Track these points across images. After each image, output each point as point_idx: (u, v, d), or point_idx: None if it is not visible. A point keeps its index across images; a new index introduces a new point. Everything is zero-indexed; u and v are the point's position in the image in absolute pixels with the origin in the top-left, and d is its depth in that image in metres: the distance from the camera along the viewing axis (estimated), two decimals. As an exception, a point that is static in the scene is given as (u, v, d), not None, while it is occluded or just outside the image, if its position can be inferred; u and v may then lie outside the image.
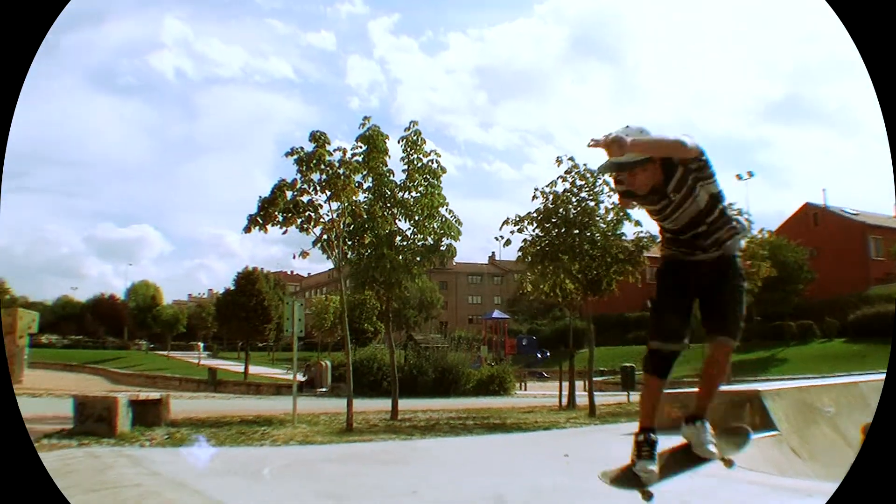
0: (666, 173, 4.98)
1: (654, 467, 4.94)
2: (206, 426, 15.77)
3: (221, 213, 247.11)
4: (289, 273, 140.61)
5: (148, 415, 14.97)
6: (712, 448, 5.05)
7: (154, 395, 16.26)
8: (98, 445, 11.34)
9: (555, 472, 6.26)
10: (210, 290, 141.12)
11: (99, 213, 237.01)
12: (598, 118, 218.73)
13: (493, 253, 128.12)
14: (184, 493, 6.59)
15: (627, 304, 65.90)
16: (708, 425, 5.14)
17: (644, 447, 5.03)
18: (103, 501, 6.60)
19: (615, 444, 11.37)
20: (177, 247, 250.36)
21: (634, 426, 13.14)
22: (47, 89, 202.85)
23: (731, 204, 5.36)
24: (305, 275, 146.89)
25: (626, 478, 4.97)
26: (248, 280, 60.87)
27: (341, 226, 17.73)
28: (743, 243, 5.39)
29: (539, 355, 77.44)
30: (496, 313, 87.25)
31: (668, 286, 5.35)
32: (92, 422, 13.38)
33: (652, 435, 5.10)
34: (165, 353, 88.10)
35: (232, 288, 62.61)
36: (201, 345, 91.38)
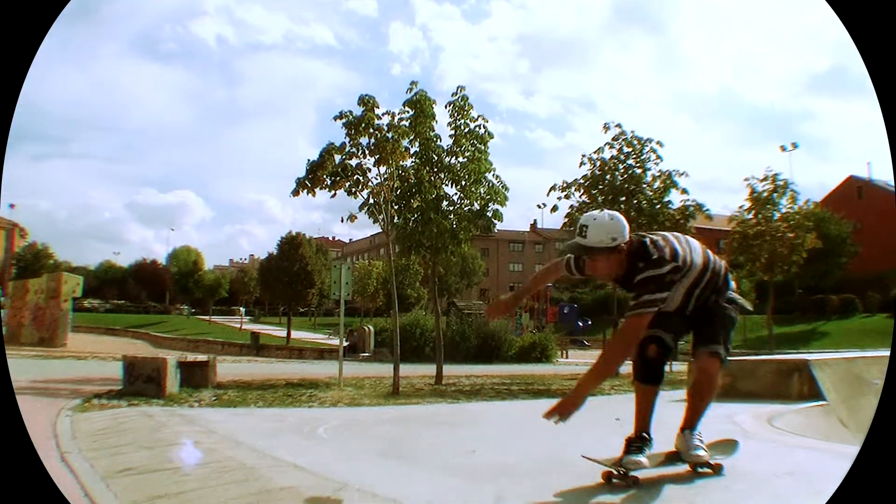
0: (630, 269, 4.85)
1: (642, 459, 4.81)
2: (252, 389, 15.95)
3: (263, 179, 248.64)
4: (330, 239, 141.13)
5: (195, 377, 15.21)
6: (699, 452, 4.93)
7: (201, 357, 16.47)
8: (147, 406, 11.49)
9: (609, 434, 6.28)
10: (251, 255, 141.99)
11: (141, 179, 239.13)
12: (641, 87, 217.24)
13: (535, 221, 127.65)
14: (242, 451, 6.65)
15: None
16: (696, 433, 5.02)
17: (635, 443, 4.92)
18: (161, 458, 6.68)
19: (662, 409, 11.37)
20: (218, 212, 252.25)
21: (678, 394, 13.12)
22: (90, 56, 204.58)
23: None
24: (347, 241, 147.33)
25: (612, 465, 4.84)
26: (291, 245, 60.93)
27: (390, 190, 17.76)
28: (733, 286, 5.28)
29: (580, 324, 77.16)
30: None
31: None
32: (141, 382, 13.61)
33: (645, 434, 5.01)
34: (207, 317, 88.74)
35: (275, 253, 62.78)
36: (242, 310, 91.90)
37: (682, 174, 22.34)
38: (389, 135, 17.22)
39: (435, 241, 19.21)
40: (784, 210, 34.84)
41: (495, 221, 20.00)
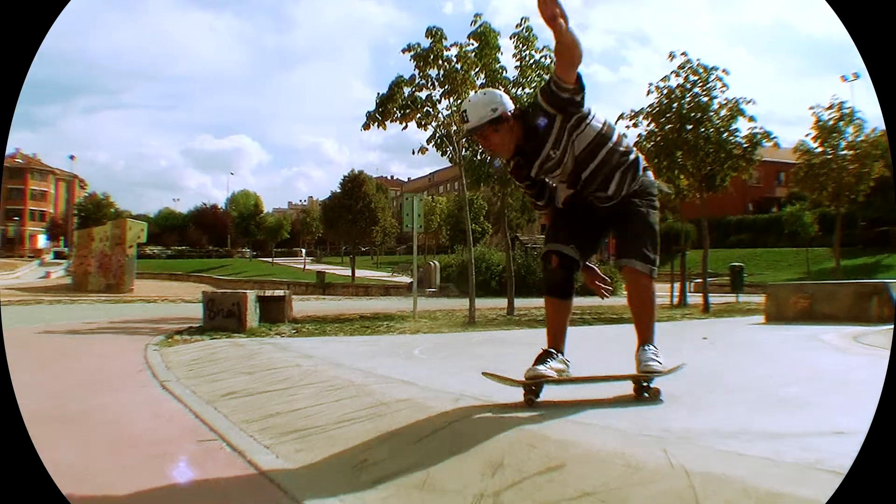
0: (529, 129, 4.67)
1: (542, 369, 4.67)
2: (328, 322, 16.21)
3: (318, 122, 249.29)
4: (388, 178, 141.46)
5: (272, 312, 15.48)
6: (651, 363, 4.65)
7: (278, 292, 16.73)
8: (231, 339, 11.73)
9: (703, 351, 6.33)
10: (310, 196, 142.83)
11: (195, 126, 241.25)
12: (695, 20, 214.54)
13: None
14: (344, 371, 6.80)
15: (730, 207, 65.63)
16: (650, 349, 4.75)
17: (540, 357, 4.80)
18: (265, 380, 6.86)
19: (744, 331, 11.40)
20: (275, 156, 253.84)
21: (752, 319, 13.04)
22: (139, 8, 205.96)
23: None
24: (406, 179, 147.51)
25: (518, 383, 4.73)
26: (354, 183, 60.98)
27: (459, 121, 17.82)
28: (651, 177, 4.98)
29: (643, 256, 76.82)
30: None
31: (567, 208, 5.07)
32: (221, 318, 13.90)
33: (553, 350, 4.87)
34: (269, 260, 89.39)
35: (338, 191, 63.10)
36: (303, 251, 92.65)
37: (748, 102, 22.04)
38: (458, 66, 17.26)
39: (503, 172, 19.16)
40: (850, 139, 34.19)
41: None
